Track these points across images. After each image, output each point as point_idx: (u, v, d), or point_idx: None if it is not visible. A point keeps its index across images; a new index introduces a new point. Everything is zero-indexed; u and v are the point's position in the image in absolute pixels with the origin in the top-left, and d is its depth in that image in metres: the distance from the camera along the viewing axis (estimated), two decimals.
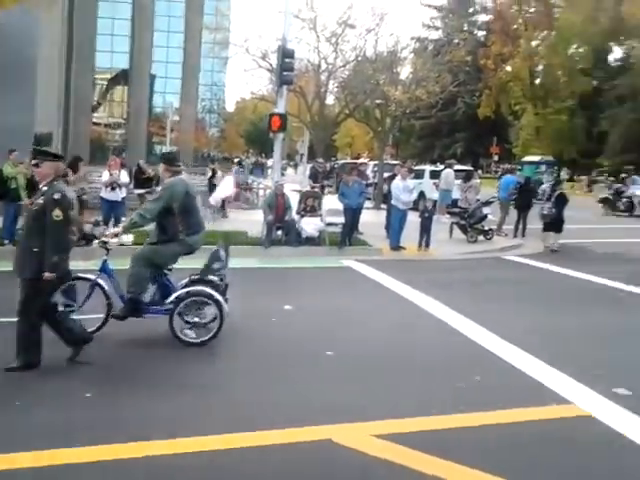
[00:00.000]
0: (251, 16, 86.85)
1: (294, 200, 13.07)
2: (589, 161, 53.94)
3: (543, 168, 39.80)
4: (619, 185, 24.15)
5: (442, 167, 20.45)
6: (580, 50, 52.84)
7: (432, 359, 5.72)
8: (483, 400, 4.69)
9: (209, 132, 71.31)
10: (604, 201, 23.43)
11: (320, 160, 19.91)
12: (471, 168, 24.46)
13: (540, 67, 52.80)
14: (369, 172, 24.87)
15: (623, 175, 27.83)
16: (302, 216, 12.53)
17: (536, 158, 42.75)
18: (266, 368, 5.37)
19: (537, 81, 52.75)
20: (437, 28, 65.30)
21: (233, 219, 15.78)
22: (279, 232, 12.20)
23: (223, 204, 16.39)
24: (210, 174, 18.28)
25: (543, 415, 4.47)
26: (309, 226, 12.24)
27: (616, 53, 56.27)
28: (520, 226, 14.84)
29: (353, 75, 22.15)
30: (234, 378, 5.18)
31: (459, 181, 17.24)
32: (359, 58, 21.50)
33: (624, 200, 22.51)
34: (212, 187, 16.78)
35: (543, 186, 20.78)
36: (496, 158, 56.67)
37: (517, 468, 3.69)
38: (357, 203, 12.60)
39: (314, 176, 17.14)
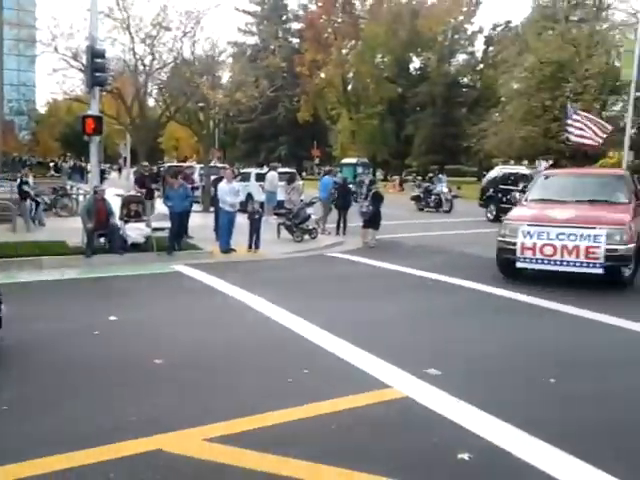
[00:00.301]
0: (60, 13, 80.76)
1: (116, 205, 12.49)
2: (399, 162, 58.59)
3: (360, 169, 42.28)
4: (428, 184, 26.45)
5: (267, 170, 20.84)
6: (385, 59, 57.03)
7: (262, 357, 5.82)
8: (312, 392, 4.84)
9: (19, 135, 65.26)
10: (416, 199, 25.56)
11: (145, 163, 19.19)
12: (294, 170, 25.23)
13: (351, 74, 55.94)
14: (196, 175, 24.59)
15: (430, 174, 30.60)
16: (126, 222, 12.02)
17: (353, 160, 45.24)
18: (89, 384, 5.07)
19: (349, 87, 55.85)
20: (253, 34, 66.37)
21: (50, 228, 14.64)
22: (102, 239, 11.60)
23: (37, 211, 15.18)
24: (19, 181, 16.68)
25: (366, 400, 4.70)
26: (134, 232, 11.78)
27: (415, 63, 61.74)
28: (341, 224, 15.69)
29: (171, 77, 21.68)
30: (58, 397, 4.81)
31: (283, 183, 17.72)
32: (177, 61, 21.11)
33: (433, 197, 24.71)
34: (24, 194, 15.33)
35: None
36: (317, 161, 59.05)
37: (347, 454, 3.85)
38: (182, 207, 12.40)
39: (140, 180, 16.48)
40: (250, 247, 12.60)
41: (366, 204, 14.17)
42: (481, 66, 58.70)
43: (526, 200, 10.76)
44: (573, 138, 21.98)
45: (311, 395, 4.77)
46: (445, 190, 24.88)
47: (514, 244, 9.15)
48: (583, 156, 36.20)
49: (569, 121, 21.66)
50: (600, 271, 8.64)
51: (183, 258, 11.58)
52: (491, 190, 21.74)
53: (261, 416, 4.38)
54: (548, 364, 5.63)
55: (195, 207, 16.45)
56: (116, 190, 21.03)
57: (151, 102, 26.46)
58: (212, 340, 6.39)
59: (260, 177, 20.86)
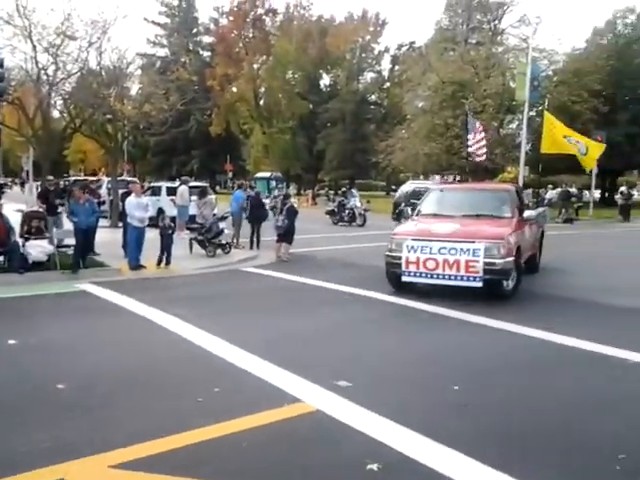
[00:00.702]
0: None
1: (17, 221, 11.86)
2: (312, 176, 59.31)
3: (274, 184, 42.42)
4: (342, 198, 26.91)
5: (178, 184, 20.49)
6: (296, 75, 57.72)
7: (171, 377, 5.70)
8: (223, 411, 4.78)
9: None
10: (330, 213, 25.93)
11: (51, 177, 18.28)
12: (206, 184, 24.93)
13: (263, 89, 56.14)
14: (104, 189, 23.75)
15: (344, 189, 31.12)
16: (27, 239, 11.42)
17: (267, 174, 45.36)
18: None
19: (261, 102, 56.00)
20: (163, 45, 65.24)
21: None
22: (0, 258, 10.95)
23: None
24: None
25: (278, 416, 4.70)
26: (35, 249, 11.22)
27: (326, 80, 63.02)
28: (255, 238, 15.66)
29: (77, 88, 20.87)
30: None
31: (195, 197, 17.48)
32: (83, 71, 20.35)
33: (347, 212, 25.16)
34: None
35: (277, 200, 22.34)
36: (231, 174, 58.68)
37: (258, 472, 3.84)
38: (88, 222, 11.93)
39: (44, 195, 15.67)
40: (159, 263, 12.30)
41: (281, 218, 14.25)
42: (388, 84, 60.72)
43: (417, 214, 10.92)
44: (472, 150, 23.48)
45: (222, 414, 4.71)
46: (358, 204, 25.40)
47: (400, 258, 9.30)
48: (484, 171, 38.19)
49: (470, 136, 23.06)
50: (479, 284, 8.83)
51: (89, 276, 11.14)
52: (402, 204, 22.42)
53: (169, 438, 4.28)
54: (452, 372, 5.86)
55: (103, 222, 15.88)
56: (17, 205, 19.90)
57: (55, 113, 25.37)
58: (119, 362, 6.19)
59: (171, 191, 20.49)
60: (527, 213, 11.31)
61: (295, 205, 15.06)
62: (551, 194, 29.67)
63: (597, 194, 41.56)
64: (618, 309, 9.02)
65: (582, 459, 4.09)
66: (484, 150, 24.19)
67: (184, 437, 4.31)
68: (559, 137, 21.83)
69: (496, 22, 48.16)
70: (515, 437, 4.44)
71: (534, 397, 5.27)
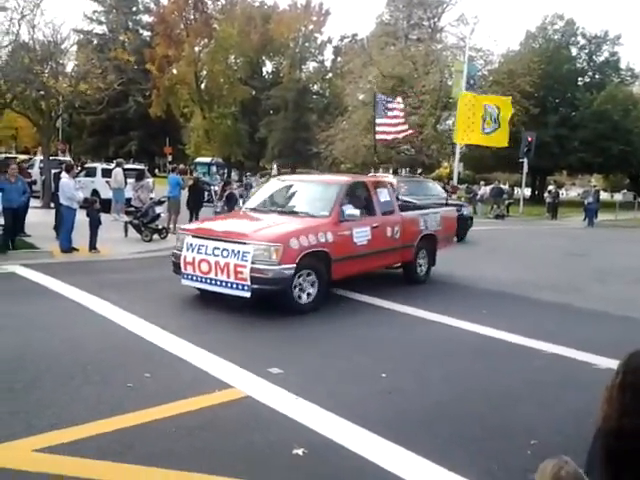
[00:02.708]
0: None
1: None
2: (254, 163, 58.93)
3: (214, 169, 41.89)
4: None
5: (113, 166, 20.02)
6: (238, 61, 57.01)
7: (100, 362, 5.64)
8: (153, 396, 4.81)
9: None
10: None
11: None
12: (142, 167, 24.40)
13: (204, 72, 55.19)
14: (36, 168, 22.85)
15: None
16: None
17: (208, 159, 44.73)
18: None
19: (202, 86, 55.05)
20: (101, 22, 62.97)
21: None
22: None
23: None
24: None
25: (208, 402, 4.76)
26: None
27: (268, 67, 62.64)
28: None
29: (8, 63, 19.95)
30: None
31: (132, 180, 17.13)
32: (13, 45, 19.47)
33: None
34: None
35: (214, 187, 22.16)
36: (170, 158, 57.50)
37: (186, 456, 3.88)
38: (18, 202, 11.53)
39: None
40: (93, 247, 12.00)
41: (220, 204, 14.19)
42: (330, 75, 60.93)
43: (244, 208, 9.82)
44: (384, 132, 19.95)
45: (152, 399, 4.75)
46: None
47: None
48: (421, 165, 39.03)
49: (380, 120, 19.63)
50: (247, 295, 7.37)
51: (19, 258, 10.79)
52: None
53: (97, 423, 4.28)
54: (381, 359, 6.10)
55: (34, 203, 15.35)
56: None
57: None
58: (47, 346, 6.08)
59: (107, 173, 19.99)
60: (382, 213, 9.42)
61: (235, 192, 15.01)
62: (484, 190, 30.71)
63: (527, 192, 43.30)
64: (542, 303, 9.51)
65: (496, 444, 4.35)
66: (405, 127, 21.83)
67: (112, 422, 4.32)
68: (477, 120, 20.74)
69: (435, 20, 49.25)
70: (433, 422, 4.68)
71: (453, 384, 5.56)
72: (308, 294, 7.90)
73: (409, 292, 9.53)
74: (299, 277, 7.73)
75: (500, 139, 21.95)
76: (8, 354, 5.76)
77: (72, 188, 11.74)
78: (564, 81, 42.67)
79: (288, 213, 8.82)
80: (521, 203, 32.59)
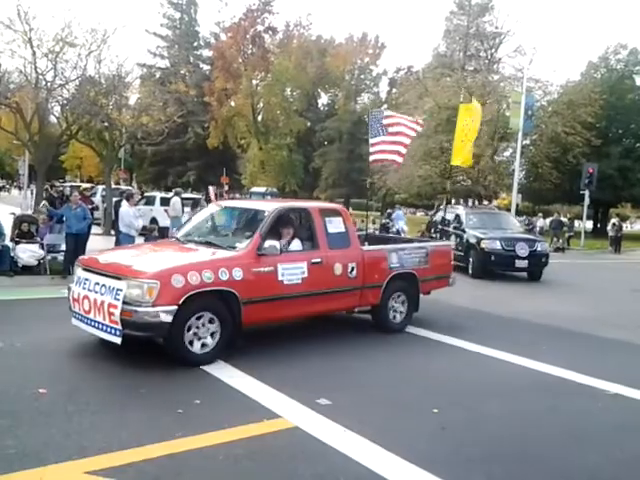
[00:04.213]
0: None
1: (8, 225, 11.88)
2: (308, 193, 59.58)
3: (269, 199, 42.51)
4: (386, 221, 25.01)
5: (171, 195, 20.63)
6: (294, 93, 58.12)
7: (152, 386, 5.69)
8: (202, 423, 4.79)
9: None
10: None
11: (57, 184, 18.27)
12: (199, 196, 25.02)
13: (261, 105, 56.45)
14: (98, 196, 23.85)
15: (389, 211, 30.64)
16: (17, 242, 11.43)
17: (262, 189, 45.44)
18: None
19: (259, 118, 56.28)
20: (163, 57, 65.57)
21: None
22: None
23: None
24: None
25: (256, 431, 4.71)
26: (25, 254, 11.23)
27: (324, 99, 63.53)
28: None
29: (75, 95, 21.00)
30: None
31: (188, 208, 17.63)
32: (81, 78, 20.49)
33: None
34: None
35: None
36: (227, 187, 58.73)
37: None
38: (79, 228, 11.95)
39: (51, 201, 15.75)
40: None
41: None
42: (385, 106, 61.17)
43: (171, 238, 8.85)
44: (375, 157, 13.96)
45: (201, 426, 4.73)
46: (405, 228, 22.64)
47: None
48: (477, 196, 38.41)
49: (373, 140, 12.91)
50: (118, 340, 6.07)
51: None
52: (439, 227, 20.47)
53: (147, 448, 4.30)
54: (433, 393, 5.91)
55: (96, 229, 15.89)
56: (11, 208, 19.89)
57: (53, 119, 25.45)
58: (103, 371, 6.20)
59: (165, 201, 20.59)
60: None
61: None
62: (542, 222, 29.92)
63: (589, 225, 41.95)
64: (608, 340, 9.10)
65: None
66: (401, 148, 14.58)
67: (161, 447, 4.33)
68: (471, 138, 14.25)
69: (493, 51, 48.87)
70: (488, 462, 4.47)
71: (509, 422, 5.32)
72: (203, 344, 6.40)
73: (463, 325, 9.28)
74: (198, 320, 6.33)
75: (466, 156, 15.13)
76: (65, 375, 5.87)
77: (131, 216, 12.08)
78: (628, 111, 41.49)
79: (203, 244, 7.51)
80: (582, 236, 31.57)
